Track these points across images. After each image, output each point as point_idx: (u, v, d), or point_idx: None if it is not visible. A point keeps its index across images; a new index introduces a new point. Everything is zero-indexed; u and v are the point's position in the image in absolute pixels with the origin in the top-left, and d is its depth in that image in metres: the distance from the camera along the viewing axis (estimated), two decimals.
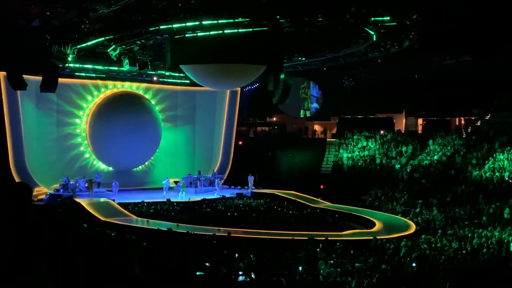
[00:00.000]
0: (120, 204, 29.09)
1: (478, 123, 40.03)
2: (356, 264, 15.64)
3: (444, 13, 27.99)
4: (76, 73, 33.91)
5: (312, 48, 29.78)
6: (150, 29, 23.55)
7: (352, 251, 18.00)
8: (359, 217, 27.91)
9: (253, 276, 13.11)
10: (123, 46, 26.39)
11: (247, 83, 34.56)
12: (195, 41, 24.65)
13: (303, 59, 31.29)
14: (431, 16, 26.12)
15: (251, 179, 35.92)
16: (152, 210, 28.22)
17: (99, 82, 35.89)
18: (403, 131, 43.41)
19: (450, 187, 31.66)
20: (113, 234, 17.95)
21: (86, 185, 31.78)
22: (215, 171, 37.98)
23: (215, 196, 33.26)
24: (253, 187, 35.93)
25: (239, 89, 39.31)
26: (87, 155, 36.25)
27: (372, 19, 23.22)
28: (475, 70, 35.76)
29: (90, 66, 33.21)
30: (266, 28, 23.16)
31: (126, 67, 28.46)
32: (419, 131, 43.97)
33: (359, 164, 38.47)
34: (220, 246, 18.24)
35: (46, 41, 24.68)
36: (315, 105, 48.09)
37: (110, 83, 36.43)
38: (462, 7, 28.50)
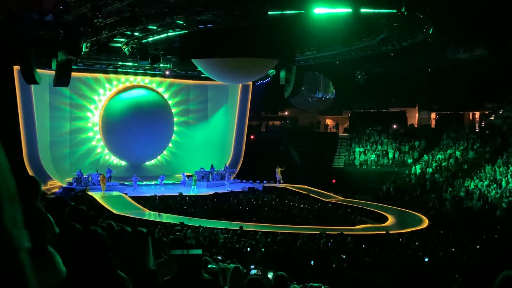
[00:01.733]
0: (132, 198, 29.30)
1: (492, 118, 39.64)
2: (367, 259, 15.59)
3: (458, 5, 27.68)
4: (89, 67, 34.07)
5: (324, 41, 29.56)
6: (163, 23, 23.53)
7: (364, 246, 17.93)
8: (371, 211, 27.82)
9: (269, 276, 13.10)
10: (136, 40, 26.44)
11: (259, 77, 34.47)
12: (207, 35, 24.62)
13: (315, 53, 31.08)
14: (445, 9, 25.86)
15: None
16: (164, 204, 28.32)
17: (111, 76, 36.03)
18: (416, 126, 43.10)
19: (463, 182, 31.49)
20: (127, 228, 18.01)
21: (99, 179, 31.98)
22: (227, 164, 38.00)
23: (226, 190, 33.32)
24: (282, 181, 35.84)
25: (251, 83, 39.25)
26: (100, 149, 36.47)
27: (385, 11, 23.01)
28: (489, 64, 35.32)
29: (102, 60, 33.32)
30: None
31: (138, 61, 28.51)
32: (432, 126, 43.64)
33: (372, 158, 38.28)
34: (232, 240, 18.26)
35: (59, 35, 24.79)
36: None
37: (122, 77, 36.56)
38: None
